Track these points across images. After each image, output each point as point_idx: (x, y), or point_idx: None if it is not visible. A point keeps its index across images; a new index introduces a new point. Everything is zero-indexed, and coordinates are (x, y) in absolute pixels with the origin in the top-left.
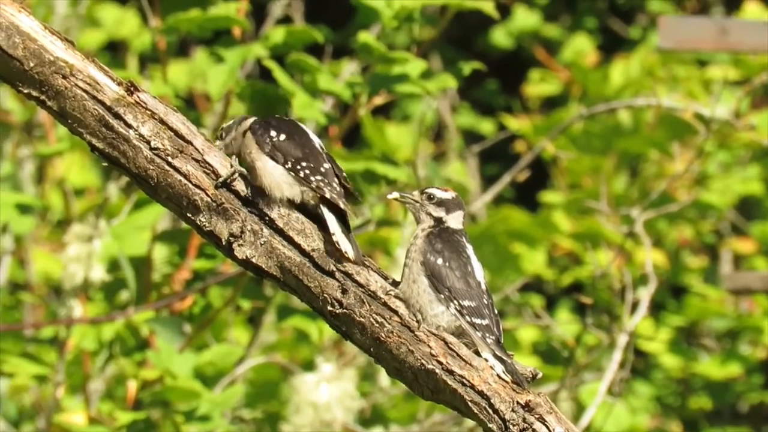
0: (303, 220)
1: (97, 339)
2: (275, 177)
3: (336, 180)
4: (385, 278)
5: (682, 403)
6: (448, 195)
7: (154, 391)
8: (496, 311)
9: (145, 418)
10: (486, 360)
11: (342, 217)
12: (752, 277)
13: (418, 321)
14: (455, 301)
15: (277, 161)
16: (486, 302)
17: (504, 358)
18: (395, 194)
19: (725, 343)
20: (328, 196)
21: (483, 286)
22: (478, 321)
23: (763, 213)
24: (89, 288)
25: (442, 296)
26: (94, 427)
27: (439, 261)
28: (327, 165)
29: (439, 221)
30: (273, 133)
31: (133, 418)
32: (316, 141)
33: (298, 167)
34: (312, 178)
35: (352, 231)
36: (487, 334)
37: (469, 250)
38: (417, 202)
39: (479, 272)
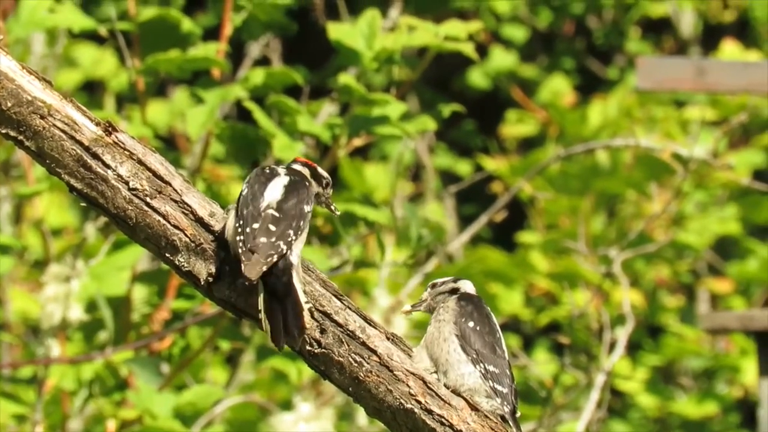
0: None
1: (76, 378)
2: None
3: None
4: (364, 318)
5: None
6: (449, 279)
7: (133, 430)
8: (515, 383)
9: None
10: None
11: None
12: (729, 316)
13: (438, 380)
14: (481, 365)
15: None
16: (508, 372)
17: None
18: (407, 307)
19: (702, 382)
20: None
21: (506, 356)
22: (498, 388)
23: (740, 253)
24: (67, 328)
25: (470, 358)
26: None
27: (470, 324)
28: None
29: (454, 291)
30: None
31: None
32: None
33: None
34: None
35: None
36: (505, 402)
37: (495, 320)
38: (427, 299)
39: (504, 342)
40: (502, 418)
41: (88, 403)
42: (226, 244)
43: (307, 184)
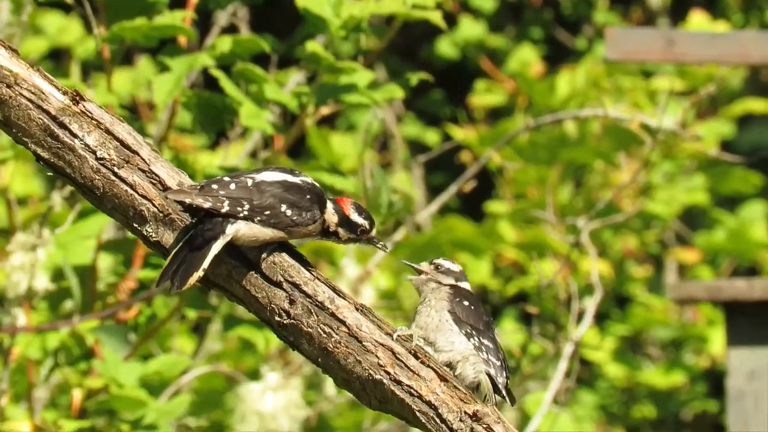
0: None
1: (42, 348)
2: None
3: None
4: (333, 288)
5: (626, 412)
6: (456, 267)
7: (99, 400)
8: (507, 366)
9: (91, 427)
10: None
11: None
12: (696, 286)
13: (423, 353)
14: (475, 338)
15: None
16: (500, 354)
17: (501, 391)
18: (414, 278)
19: (669, 352)
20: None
21: (498, 341)
22: (492, 359)
23: (708, 223)
24: (33, 297)
25: (463, 331)
26: None
27: (465, 303)
28: None
29: (451, 287)
30: None
31: (78, 427)
32: None
33: None
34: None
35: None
36: (499, 374)
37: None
38: (428, 273)
39: (495, 329)
40: (495, 387)
41: (53, 372)
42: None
43: (310, 199)
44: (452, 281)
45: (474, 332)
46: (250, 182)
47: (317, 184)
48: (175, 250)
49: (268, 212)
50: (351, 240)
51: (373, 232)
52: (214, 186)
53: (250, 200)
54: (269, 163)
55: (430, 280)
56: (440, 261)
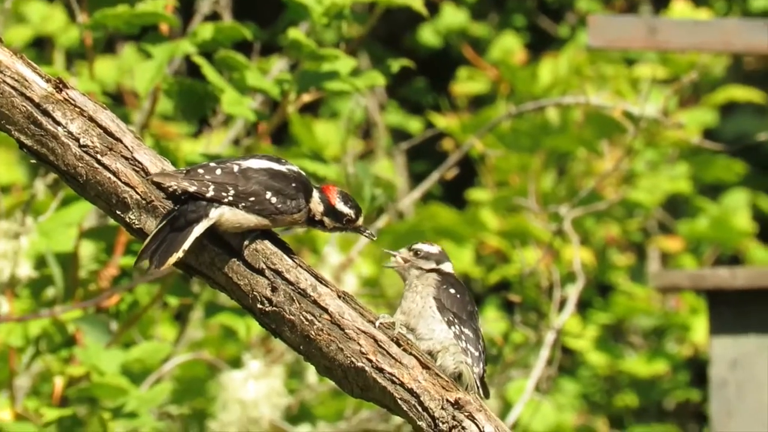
0: None
1: (24, 336)
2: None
3: None
4: (315, 276)
5: (608, 401)
6: (435, 249)
7: (80, 387)
8: (485, 357)
9: (72, 414)
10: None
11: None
12: (679, 275)
13: (406, 341)
14: (457, 326)
15: None
16: (481, 343)
17: (479, 386)
18: (392, 263)
19: (652, 340)
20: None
21: (480, 331)
22: (471, 349)
23: (691, 211)
24: (16, 285)
25: (445, 319)
26: (21, 424)
27: (451, 290)
28: None
29: (431, 271)
30: None
31: (59, 415)
32: None
33: None
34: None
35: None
36: (475, 365)
37: (473, 300)
38: (408, 260)
39: (479, 320)
40: (474, 379)
41: (35, 360)
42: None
43: (296, 187)
44: (433, 265)
45: (456, 320)
46: (236, 168)
47: (303, 173)
48: (155, 230)
49: (252, 198)
50: (337, 229)
51: (360, 221)
52: (200, 171)
53: (236, 186)
54: (252, 151)
55: (411, 266)
56: (419, 246)
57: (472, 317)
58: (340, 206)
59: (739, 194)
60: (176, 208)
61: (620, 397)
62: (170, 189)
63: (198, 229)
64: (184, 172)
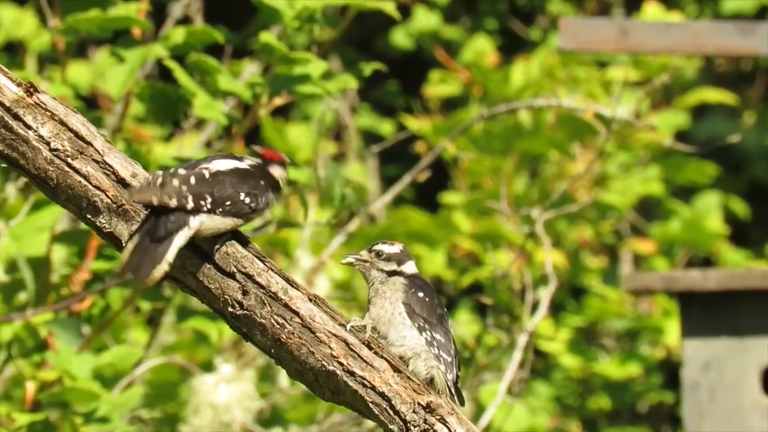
0: None
1: None
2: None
3: None
4: (286, 279)
5: (581, 403)
6: (396, 249)
7: (52, 392)
8: (458, 357)
9: (44, 419)
10: (437, 385)
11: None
12: (652, 277)
13: (377, 344)
14: (428, 332)
15: None
16: (452, 346)
17: (452, 390)
18: (349, 259)
19: (624, 343)
20: None
21: (451, 332)
22: (444, 356)
23: (663, 213)
24: None
25: (416, 325)
26: None
27: (420, 294)
28: None
29: (393, 273)
30: None
31: (31, 420)
32: None
33: None
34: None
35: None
36: (449, 371)
37: (442, 301)
38: (368, 261)
39: (449, 321)
40: (447, 385)
41: (7, 364)
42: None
43: (264, 184)
44: (394, 266)
45: (427, 326)
46: (206, 174)
47: (259, 162)
48: (135, 242)
49: (228, 203)
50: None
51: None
52: (175, 182)
53: (212, 193)
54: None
55: (372, 267)
56: (380, 247)
57: (442, 320)
58: (274, 172)
59: (711, 196)
60: (151, 217)
61: (593, 399)
62: (152, 205)
63: (179, 239)
64: (159, 182)
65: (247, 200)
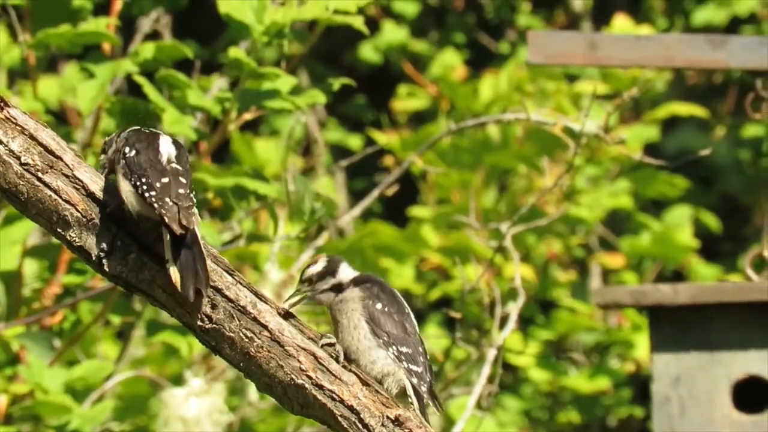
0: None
1: None
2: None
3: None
4: (255, 293)
5: (550, 417)
6: (320, 264)
7: (24, 405)
8: (428, 356)
9: None
10: (410, 398)
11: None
12: (621, 291)
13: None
14: (394, 347)
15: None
16: (420, 349)
17: (425, 399)
18: (291, 300)
19: (594, 357)
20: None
21: (417, 332)
22: (414, 368)
23: (632, 227)
24: None
25: (381, 341)
26: None
27: (378, 306)
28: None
29: (339, 286)
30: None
31: None
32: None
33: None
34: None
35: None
36: (422, 382)
37: (400, 296)
38: (307, 292)
39: (413, 318)
40: (420, 398)
41: None
42: (119, 216)
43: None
44: (332, 280)
45: (391, 340)
46: (173, 164)
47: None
48: (173, 260)
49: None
50: None
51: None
52: (181, 191)
53: (190, 178)
54: (193, 169)
55: (315, 294)
56: (307, 272)
57: (405, 327)
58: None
59: (682, 210)
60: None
61: (563, 413)
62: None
63: (198, 231)
64: (155, 192)
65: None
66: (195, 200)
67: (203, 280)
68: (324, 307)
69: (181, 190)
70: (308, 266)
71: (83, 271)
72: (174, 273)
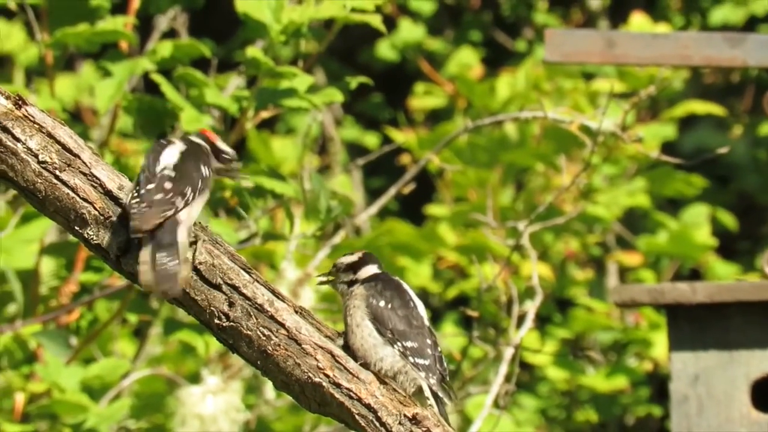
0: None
1: None
2: None
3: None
4: (272, 291)
5: (567, 416)
6: (353, 257)
7: (41, 404)
8: (439, 348)
9: (33, 431)
10: (427, 399)
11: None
12: (638, 289)
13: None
14: (399, 343)
15: None
16: (428, 341)
17: (443, 398)
18: (320, 279)
19: (611, 355)
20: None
21: (426, 324)
22: (420, 361)
23: (650, 226)
24: None
25: (386, 339)
26: None
27: (381, 303)
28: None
29: (353, 282)
30: None
31: (20, 431)
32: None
33: None
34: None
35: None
36: (430, 374)
37: (409, 290)
38: (331, 276)
39: (422, 310)
40: (434, 395)
41: None
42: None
43: (205, 152)
44: (351, 275)
45: (396, 336)
46: (170, 173)
47: (194, 139)
48: (147, 260)
49: (200, 185)
50: (218, 172)
51: (237, 166)
52: (158, 196)
53: (185, 184)
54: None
55: (336, 282)
56: (339, 260)
57: (410, 321)
58: (221, 144)
59: (699, 208)
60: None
61: (580, 412)
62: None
63: (182, 237)
64: (143, 206)
65: (206, 173)
66: (186, 205)
67: (168, 283)
68: (341, 306)
69: (158, 196)
70: (345, 255)
71: (100, 268)
72: (144, 272)
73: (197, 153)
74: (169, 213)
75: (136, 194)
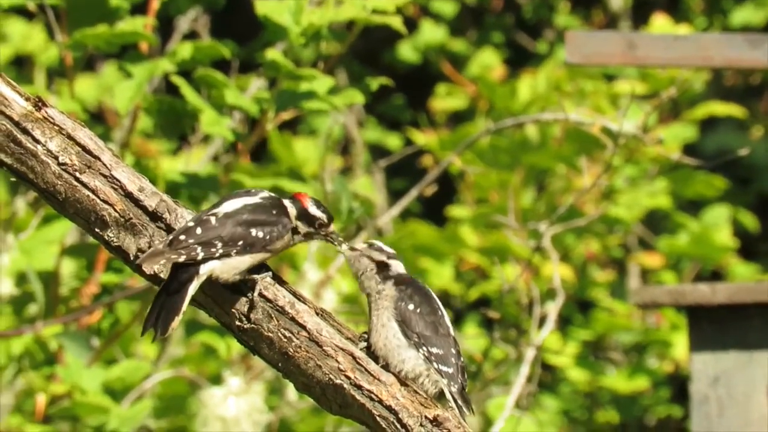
0: None
1: (6, 353)
2: None
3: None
4: (293, 293)
5: (589, 417)
6: (389, 249)
7: (63, 405)
8: (462, 359)
9: None
10: (448, 402)
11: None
12: (659, 291)
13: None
14: (424, 348)
15: None
16: (453, 351)
17: (462, 408)
18: (344, 247)
19: (632, 356)
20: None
21: (451, 333)
22: (444, 369)
23: (671, 227)
24: None
25: (411, 342)
26: None
27: (410, 306)
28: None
29: (382, 265)
30: None
31: None
32: None
33: None
34: None
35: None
36: (452, 382)
37: (437, 298)
38: (359, 250)
39: (447, 319)
40: (454, 400)
41: (18, 377)
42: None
43: (276, 213)
44: (384, 258)
45: (422, 341)
46: (214, 220)
47: (273, 194)
48: (156, 299)
49: (241, 242)
50: (309, 235)
51: (332, 228)
52: (182, 237)
53: (220, 237)
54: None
55: (362, 254)
56: (377, 242)
57: (437, 329)
58: (313, 210)
59: (720, 209)
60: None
61: (601, 413)
62: (161, 266)
63: (192, 289)
64: (168, 242)
65: (260, 234)
66: (209, 259)
67: (159, 327)
68: (363, 308)
69: (182, 236)
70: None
71: (121, 270)
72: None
73: (267, 212)
74: (179, 259)
75: (176, 229)
